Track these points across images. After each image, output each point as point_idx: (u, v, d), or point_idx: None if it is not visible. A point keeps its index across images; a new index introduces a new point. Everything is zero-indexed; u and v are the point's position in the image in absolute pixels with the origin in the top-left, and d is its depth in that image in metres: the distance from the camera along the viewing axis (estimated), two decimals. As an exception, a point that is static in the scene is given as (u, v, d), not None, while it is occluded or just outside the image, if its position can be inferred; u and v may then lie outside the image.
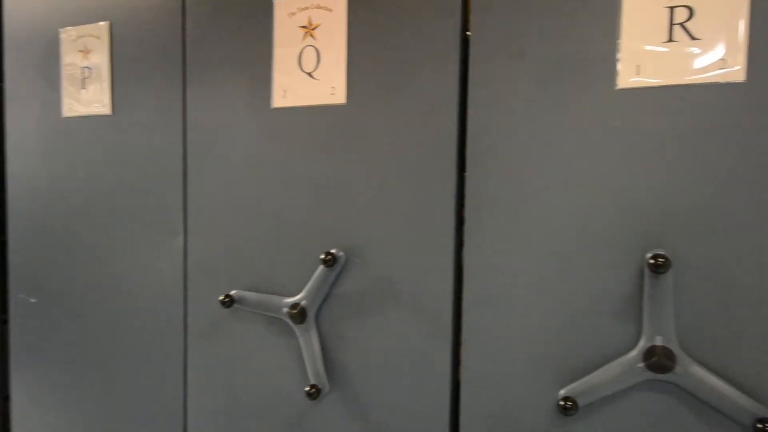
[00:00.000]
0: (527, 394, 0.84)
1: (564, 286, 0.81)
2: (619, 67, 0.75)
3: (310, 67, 0.96)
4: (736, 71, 0.69)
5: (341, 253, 0.95)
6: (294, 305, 0.96)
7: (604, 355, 0.78)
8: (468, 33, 0.86)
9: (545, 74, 0.80)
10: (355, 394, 0.96)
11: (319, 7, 0.94)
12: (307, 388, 0.96)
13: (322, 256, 0.92)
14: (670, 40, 0.72)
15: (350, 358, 0.97)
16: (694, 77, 0.71)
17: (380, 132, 0.92)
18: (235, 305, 1.03)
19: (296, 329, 0.98)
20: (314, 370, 0.97)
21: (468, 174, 0.86)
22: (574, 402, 0.77)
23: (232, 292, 1.04)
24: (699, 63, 0.71)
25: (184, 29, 1.09)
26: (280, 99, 0.99)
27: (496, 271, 0.85)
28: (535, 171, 0.81)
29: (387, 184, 0.92)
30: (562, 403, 0.77)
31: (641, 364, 0.74)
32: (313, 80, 0.96)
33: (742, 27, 0.69)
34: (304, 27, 0.96)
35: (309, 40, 0.96)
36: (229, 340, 1.08)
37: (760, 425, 0.68)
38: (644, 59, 0.73)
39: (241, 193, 1.05)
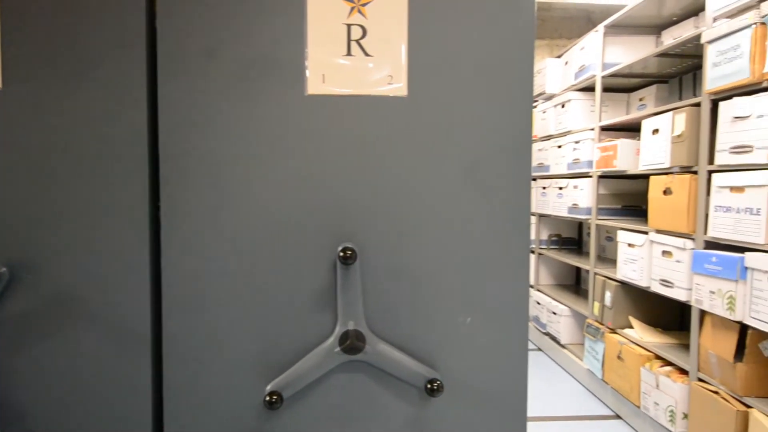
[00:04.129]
0: (236, 397, 0.83)
1: (265, 284, 0.82)
2: (308, 74, 0.80)
3: (-55, 39, 0.76)
4: (400, 87, 0.81)
5: (3, 269, 0.78)
6: (-66, 341, 0.76)
7: (308, 346, 0.82)
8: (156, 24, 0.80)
9: (238, 74, 0.80)
10: (33, 435, 0.81)
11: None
12: (-41, 443, 0.76)
13: (-26, 276, 0.75)
14: (349, 54, 0.80)
15: (22, 395, 0.81)
16: (370, 90, 0.81)
17: (51, 125, 0.79)
18: None
19: (-60, 371, 0.77)
20: (-30, 417, 0.78)
21: (162, 174, 0.80)
22: (279, 395, 0.80)
23: None
24: (373, 77, 0.80)
25: None
26: None
27: (196, 275, 0.81)
28: (233, 171, 0.81)
29: (63, 186, 0.79)
30: (267, 398, 0.79)
31: (338, 349, 0.81)
32: (-48, 56, 0.76)
33: (403, 50, 0.81)
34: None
35: (-58, 5, 0.76)
36: None
37: (429, 384, 0.82)
38: (329, 69, 0.80)
39: None
